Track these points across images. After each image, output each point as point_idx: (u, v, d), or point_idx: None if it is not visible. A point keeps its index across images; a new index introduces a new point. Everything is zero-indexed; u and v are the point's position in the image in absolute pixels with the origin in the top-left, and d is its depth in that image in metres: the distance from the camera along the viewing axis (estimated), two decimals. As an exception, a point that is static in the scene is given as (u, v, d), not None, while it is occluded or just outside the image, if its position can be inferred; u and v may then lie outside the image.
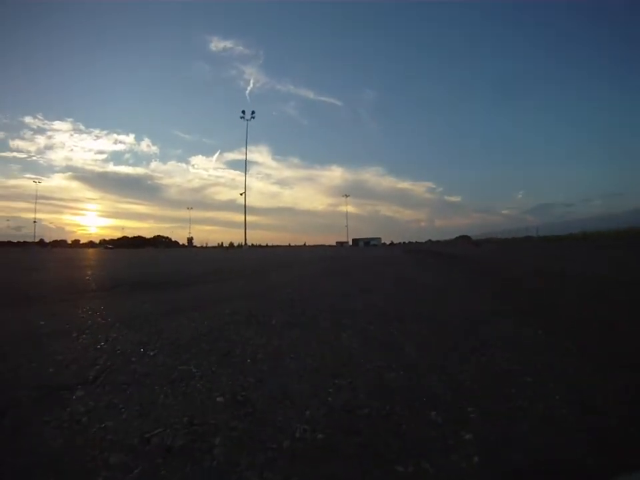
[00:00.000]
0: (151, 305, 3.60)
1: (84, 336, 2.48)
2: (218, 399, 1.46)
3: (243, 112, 54.88)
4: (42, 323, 2.98)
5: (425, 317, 2.85)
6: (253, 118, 55.37)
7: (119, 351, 2.12)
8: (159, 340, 2.27)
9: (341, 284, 5.39)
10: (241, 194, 55.82)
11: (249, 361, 1.82)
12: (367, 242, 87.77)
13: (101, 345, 2.26)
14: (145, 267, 11.20)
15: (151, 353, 2.03)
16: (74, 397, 1.55)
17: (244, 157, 57.83)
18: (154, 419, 1.31)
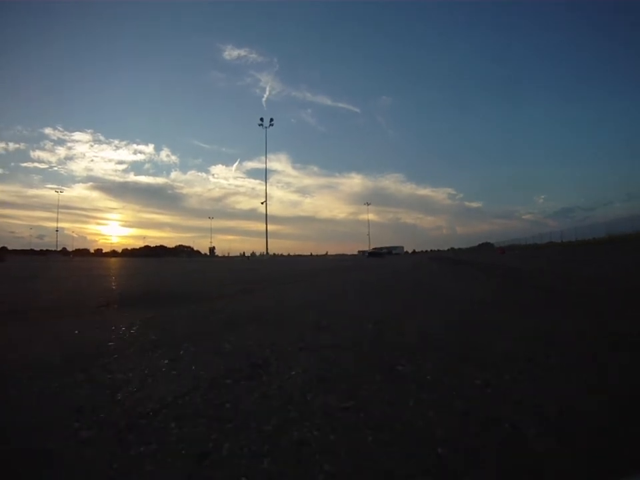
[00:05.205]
0: (138, 330, 2.79)
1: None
2: None
3: (262, 119, 54.81)
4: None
5: (501, 355, 1.88)
6: (272, 125, 55.23)
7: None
8: (108, 406, 1.41)
9: (378, 301, 4.46)
10: (262, 203, 55.71)
11: (243, 481, 0.93)
12: (389, 251, 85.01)
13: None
14: (158, 278, 10.62)
15: (83, 436, 1.18)
16: None
17: (263, 166, 57.80)
18: None
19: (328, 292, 5.73)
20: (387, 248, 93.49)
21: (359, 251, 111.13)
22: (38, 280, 9.16)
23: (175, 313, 3.61)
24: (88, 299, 4.94)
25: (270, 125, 55.38)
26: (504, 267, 12.00)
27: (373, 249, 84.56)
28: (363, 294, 5.28)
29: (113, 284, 7.55)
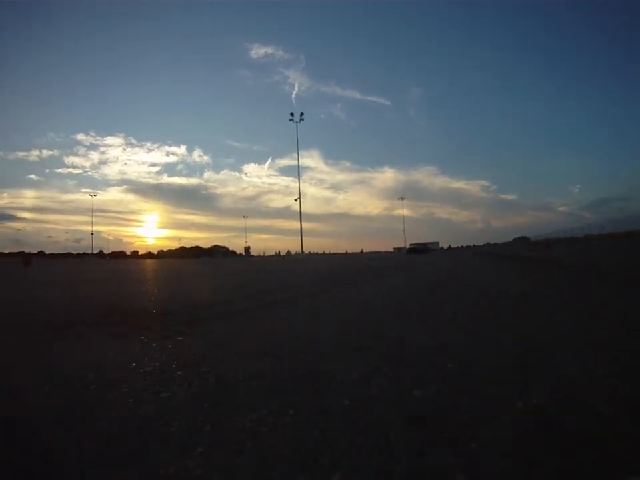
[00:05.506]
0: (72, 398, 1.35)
1: None
2: None
3: (292, 114, 53.62)
4: None
5: None
6: (302, 120, 54.02)
7: None
8: None
9: (475, 330, 2.81)
10: (296, 199, 54.68)
11: None
12: (426, 248, 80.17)
13: None
14: (176, 282, 9.47)
15: None
16: None
17: (296, 163, 56.73)
18: None
19: (391, 308, 4.11)
20: (422, 244, 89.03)
21: (394, 248, 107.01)
22: (38, 286, 8.22)
23: (166, 346, 2.17)
24: (60, 314, 3.65)
25: (300, 119, 54.29)
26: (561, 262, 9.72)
27: (411, 244, 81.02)
28: (451, 313, 3.61)
29: (116, 292, 6.37)
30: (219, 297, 5.19)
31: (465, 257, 23.68)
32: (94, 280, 10.06)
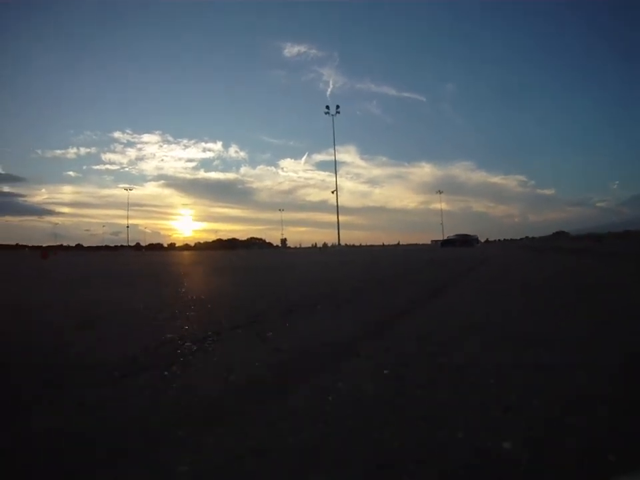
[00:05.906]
0: None
1: None
2: None
3: (327, 107, 52.91)
4: None
5: None
6: (338, 113, 53.04)
7: None
8: None
9: None
10: (332, 192, 53.82)
11: None
12: (469, 239, 72.15)
13: None
14: (183, 282, 8.08)
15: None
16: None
17: (332, 158, 55.13)
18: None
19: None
20: (463, 235, 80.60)
21: (432, 241, 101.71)
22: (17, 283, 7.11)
23: None
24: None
25: (336, 112, 53.78)
26: None
27: (448, 236, 75.04)
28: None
29: (90, 300, 4.94)
30: (224, 317, 3.54)
31: (521, 251, 20.65)
32: (96, 276, 8.94)
